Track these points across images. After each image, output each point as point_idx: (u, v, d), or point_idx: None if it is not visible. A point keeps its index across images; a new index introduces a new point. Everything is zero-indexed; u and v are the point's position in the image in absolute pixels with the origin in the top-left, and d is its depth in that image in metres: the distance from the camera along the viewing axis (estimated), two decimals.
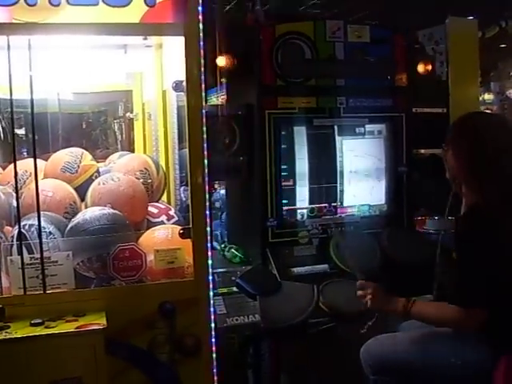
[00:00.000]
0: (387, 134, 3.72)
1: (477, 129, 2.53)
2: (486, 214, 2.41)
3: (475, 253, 2.38)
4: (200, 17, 2.72)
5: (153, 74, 3.64)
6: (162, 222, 3.23)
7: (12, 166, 2.76)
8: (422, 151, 4.04)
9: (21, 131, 3.74)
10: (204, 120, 2.81)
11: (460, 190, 2.56)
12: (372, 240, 3.53)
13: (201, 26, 2.72)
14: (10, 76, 2.59)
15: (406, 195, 3.74)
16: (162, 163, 3.64)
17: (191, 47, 2.72)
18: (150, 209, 3.29)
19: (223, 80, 3.59)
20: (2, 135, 3.71)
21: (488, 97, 9.61)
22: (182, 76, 2.77)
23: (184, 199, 3.64)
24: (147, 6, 2.65)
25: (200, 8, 2.72)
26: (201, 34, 2.73)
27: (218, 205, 4.62)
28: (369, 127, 3.67)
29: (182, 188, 3.71)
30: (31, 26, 2.55)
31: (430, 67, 3.75)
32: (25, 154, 3.62)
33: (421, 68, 3.73)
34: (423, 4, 7.45)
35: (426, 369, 2.59)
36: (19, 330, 2.46)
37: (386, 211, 3.75)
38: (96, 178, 3.26)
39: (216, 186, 4.64)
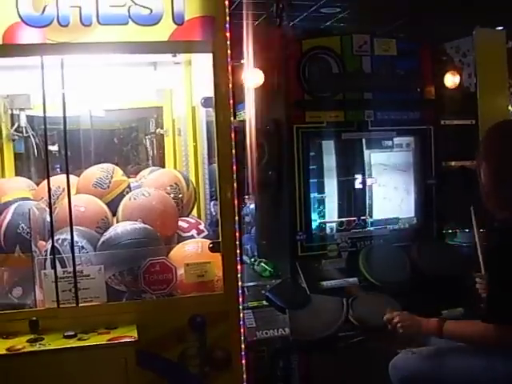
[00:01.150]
0: (415, 146, 3.72)
1: (507, 138, 2.48)
2: None
3: (506, 270, 2.32)
4: (227, 34, 2.76)
5: (182, 91, 3.69)
6: (192, 237, 3.26)
7: (46, 181, 2.82)
8: (452, 163, 4.02)
9: (54, 148, 3.80)
10: (233, 135, 2.84)
11: (489, 203, 2.48)
12: (402, 253, 3.52)
13: (228, 42, 2.76)
14: (43, 94, 2.66)
15: (436, 208, 3.73)
16: (192, 178, 3.68)
17: (219, 64, 2.76)
18: (181, 223, 3.33)
19: (252, 95, 3.62)
20: (36, 152, 3.78)
21: None
22: (211, 92, 2.81)
23: (214, 214, 3.67)
24: (176, 24, 2.70)
25: (227, 25, 2.76)
26: (228, 51, 2.77)
27: (247, 219, 4.64)
28: (397, 140, 3.68)
29: (212, 202, 3.74)
30: (64, 46, 2.62)
31: (457, 79, 3.74)
32: (58, 170, 3.70)
33: (448, 80, 3.72)
34: (452, 16, 7.41)
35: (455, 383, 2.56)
36: (53, 342, 2.51)
37: (416, 224, 3.74)
38: (127, 193, 3.31)
39: (246, 200, 4.67)
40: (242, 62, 3.43)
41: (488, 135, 2.55)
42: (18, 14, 2.57)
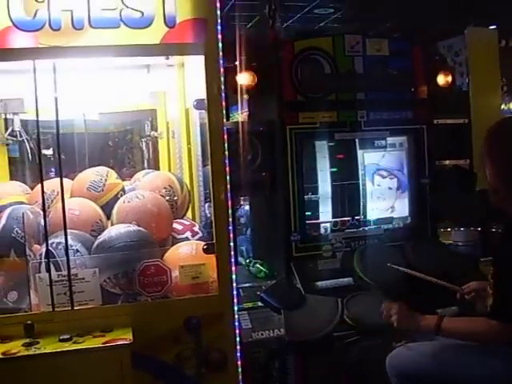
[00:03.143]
0: (409, 146, 3.73)
1: (510, 135, 2.48)
2: None
3: None
4: (219, 36, 2.78)
5: (176, 93, 3.70)
6: (187, 238, 3.27)
7: (40, 185, 2.83)
8: (446, 162, 4.04)
9: (48, 152, 3.82)
10: (225, 137, 2.85)
11: (497, 200, 2.46)
12: (396, 252, 3.52)
13: (220, 44, 2.77)
14: (36, 98, 2.67)
15: (430, 207, 3.73)
16: (187, 180, 3.69)
17: (211, 66, 2.78)
18: (175, 225, 3.33)
19: (245, 97, 3.62)
20: (30, 156, 3.79)
21: None
22: (203, 94, 2.82)
23: (208, 215, 3.67)
24: (167, 26, 2.72)
25: (219, 27, 2.77)
26: (220, 53, 2.78)
27: (242, 220, 4.65)
28: (390, 140, 3.68)
29: (207, 204, 3.74)
30: (56, 49, 2.63)
31: (450, 78, 3.75)
32: (53, 173, 3.70)
33: (441, 79, 3.73)
34: (446, 15, 7.43)
35: (452, 380, 2.56)
36: (48, 346, 2.51)
37: (410, 223, 3.75)
38: (121, 195, 3.31)
39: (241, 201, 4.68)
40: (236, 63, 3.44)
41: (490, 133, 2.54)
42: (10, 19, 2.58)
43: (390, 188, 3.71)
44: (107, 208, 3.24)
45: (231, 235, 2.88)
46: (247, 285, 3.40)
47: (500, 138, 2.50)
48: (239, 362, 2.89)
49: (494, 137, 2.52)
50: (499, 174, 2.45)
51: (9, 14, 2.57)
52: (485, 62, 4.16)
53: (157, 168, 4.21)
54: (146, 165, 4.74)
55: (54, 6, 2.60)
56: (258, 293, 3.25)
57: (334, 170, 3.56)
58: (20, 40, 2.60)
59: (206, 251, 2.88)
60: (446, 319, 2.53)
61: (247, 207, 4.35)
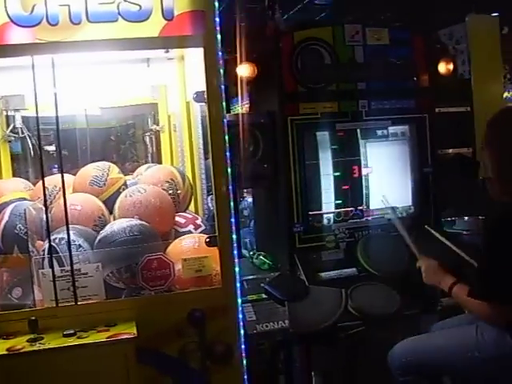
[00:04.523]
0: (411, 135, 3.71)
1: (509, 125, 2.49)
2: None
3: (503, 256, 2.36)
4: (218, 28, 2.77)
5: (176, 86, 3.69)
6: (190, 232, 3.27)
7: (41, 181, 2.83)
8: (449, 151, 4.02)
9: (51, 148, 3.81)
10: (226, 129, 2.84)
11: (493, 189, 2.50)
12: (400, 242, 3.51)
13: (219, 36, 2.76)
14: (35, 94, 2.67)
15: (433, 196, 3.72)
16: (189, 173, 3.69)
17: (210, 58, 2.77)
18: (178, 219, 3.33)
19: (245, 89, 3.61)
20: (32, 152, 3.79)
21: None
22: (204, 87, 2.81)
23: (211, 208, 3.67)
24: (165, 19, 2.71)
25: (217, 19, 2.76)
26: (219, 45, 2.77)
27: (246, 213, 4.65)
28: (392, 129, 3.66)
29: (210, 197, 3.75)
30: (54, 44, 2.63)
31: (451, 66, 3.72)
32: (56, 169, 3.70)
33: (442, 68, 3.70)
34: (447, 2, 7.38)
35: (452, 366, 2.61)
36: (52, 341, 2.52)
37: (413, 213, 3.73)
38: (123, 190, 3.32)
39: (244, 194, 4.68)
40: (235, 55, 3.43)
41: (491, 123, 2.56)
42: (7, 15, 2.58)
43: (393, 178, 3.69)
44: (109, 203, 3.25)
45: (234, 227, 2.88)
46: (251, 277, 3.39)
47: (500, 128, 2.51)
48: (244, 355, 2.89)
49: (495, 126, 2.54)
50: (496, 163, 2.47)
51: (6, 9, 2.57)
52: (487, 49, 4.13)
53: (159, 162, 4.21)
54: (149, 159, 4.74)
55: (51, 1, 2.60)
56: (262, 285, 3.25)
57: (336, 160, 3.54)
58: (18, 36, 2.59)
59: (208, 244, 2.88)
60: (458, 285, 2.61)
61: (250, 199, 4.35)
